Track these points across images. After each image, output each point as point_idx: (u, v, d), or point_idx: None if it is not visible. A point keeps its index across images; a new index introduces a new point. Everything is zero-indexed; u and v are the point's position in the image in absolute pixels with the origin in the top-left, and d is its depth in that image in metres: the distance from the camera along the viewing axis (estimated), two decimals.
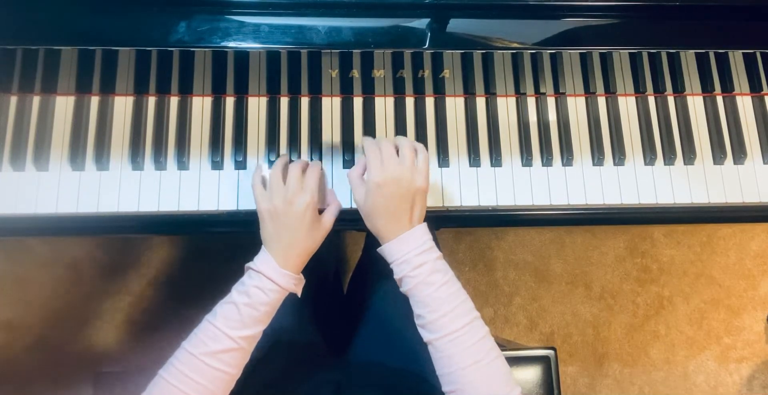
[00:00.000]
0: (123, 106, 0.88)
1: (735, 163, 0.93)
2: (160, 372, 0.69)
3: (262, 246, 0.77)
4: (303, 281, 0.78)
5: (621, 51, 0.95)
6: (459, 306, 0.71)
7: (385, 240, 0.75)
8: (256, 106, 0.90)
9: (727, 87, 0.96)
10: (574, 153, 0.91)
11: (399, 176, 0.74)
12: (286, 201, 0.76)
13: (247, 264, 0.76)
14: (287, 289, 0.75)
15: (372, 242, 1.05)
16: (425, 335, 0.72)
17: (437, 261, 0.73)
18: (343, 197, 0.87)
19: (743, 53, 0.97)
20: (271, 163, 0.88)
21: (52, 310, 1.58)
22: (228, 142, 0.88)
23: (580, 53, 0.95)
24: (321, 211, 0.81)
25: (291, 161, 0.84)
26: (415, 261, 0.72)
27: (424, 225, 0.76)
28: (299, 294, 0.78)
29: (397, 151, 0.77)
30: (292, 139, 0.89)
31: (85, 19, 0.75)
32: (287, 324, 0.91)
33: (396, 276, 0.74)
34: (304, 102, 0.91)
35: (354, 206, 0.85)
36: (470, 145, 0.91)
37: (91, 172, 0.85)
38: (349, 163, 0.89)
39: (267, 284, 0.73)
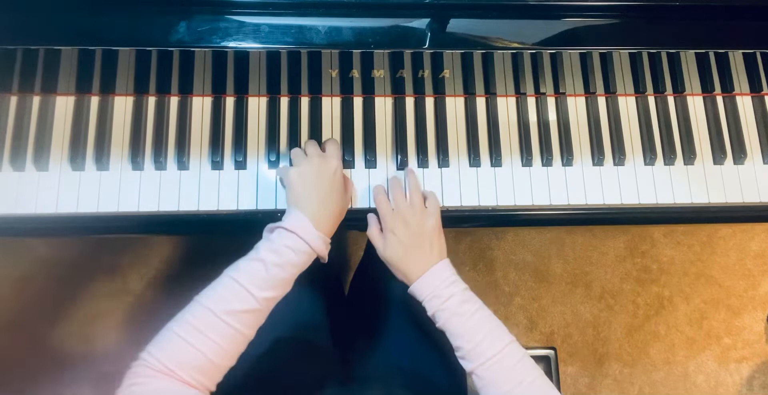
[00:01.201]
0: (123, 106, 0.88)
1: (735, 163, 0.93)
2: (171, 326, 0.66)
3: (291, 209, 0.76)
4: (329, 246, 0.77)
5: (621, 51, 0.95)
6: (492, 332, 0.74)
7: (411, 281, 0.77)
8: (256, 106, 0.90)
9: (727, 87, 0.96)
10: (574, 153, 0.91)
11: (409, 219, 0.78)
12: (313, 163, 0.78)
13: (274, 225, 0.75)
14: (317, 251, 0.74)
15: None
16: (466, 365, 0.74)
17: (465, 293, 0.75)
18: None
19: (743, 53, 0.97)
20: (271, 163, 0.88)
21: (52, 310, 1.58)
22: (228, 142, 0.88)
23: (580, 53, 0.95)
24: None
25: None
26: (444, 294, 0.74)
27: (446, 260, 0.78)
28: (325, 260, 0.77)
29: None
30: (292, 139, 0.89)
31: (85, 19, 0.75)
32: (291, 320, 0.91)
33: (429, 313, 0.76)
34: (304, 102, 0.91)
35: (356, 206, 0.86)
36: (470, 145, 0.91)
37: (91, 172, 0.85)
38: (349, 163, 0.89)
39: (299, 244, 0.72)
